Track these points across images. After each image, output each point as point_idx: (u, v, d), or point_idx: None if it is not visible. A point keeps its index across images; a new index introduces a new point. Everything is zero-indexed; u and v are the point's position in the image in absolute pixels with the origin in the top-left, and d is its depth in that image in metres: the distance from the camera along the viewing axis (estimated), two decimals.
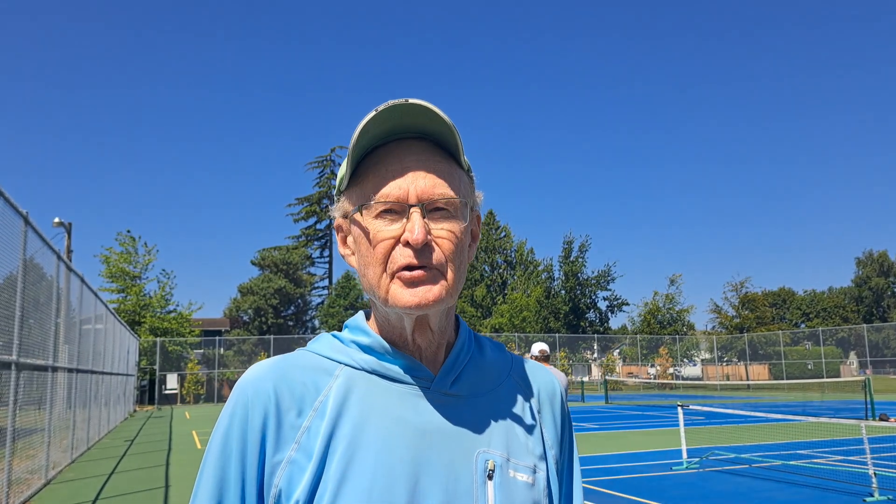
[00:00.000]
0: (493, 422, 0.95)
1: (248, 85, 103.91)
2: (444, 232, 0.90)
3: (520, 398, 1.01)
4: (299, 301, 54.95)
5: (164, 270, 42.70)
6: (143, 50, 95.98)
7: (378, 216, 0.90)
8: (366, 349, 0.96)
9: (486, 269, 55.23)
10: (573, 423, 1.11)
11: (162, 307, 39.17)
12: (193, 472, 10.82)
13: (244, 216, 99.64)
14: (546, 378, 1.07)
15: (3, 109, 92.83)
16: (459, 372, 0.97)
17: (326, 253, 64.62)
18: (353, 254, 0.97)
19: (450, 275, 0.90)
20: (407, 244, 0.88)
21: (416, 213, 0.88)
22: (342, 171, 0.94)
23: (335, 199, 0.99)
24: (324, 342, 0.99)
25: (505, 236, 56.86)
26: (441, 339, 0.97)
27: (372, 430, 0.88)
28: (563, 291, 50.17)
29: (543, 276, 52.16)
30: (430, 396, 0.93)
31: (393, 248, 0.89)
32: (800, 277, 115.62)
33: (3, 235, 7.65)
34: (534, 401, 1.03)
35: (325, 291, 60.70)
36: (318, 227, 64.53)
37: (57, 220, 24.33)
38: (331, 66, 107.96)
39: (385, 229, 0.89)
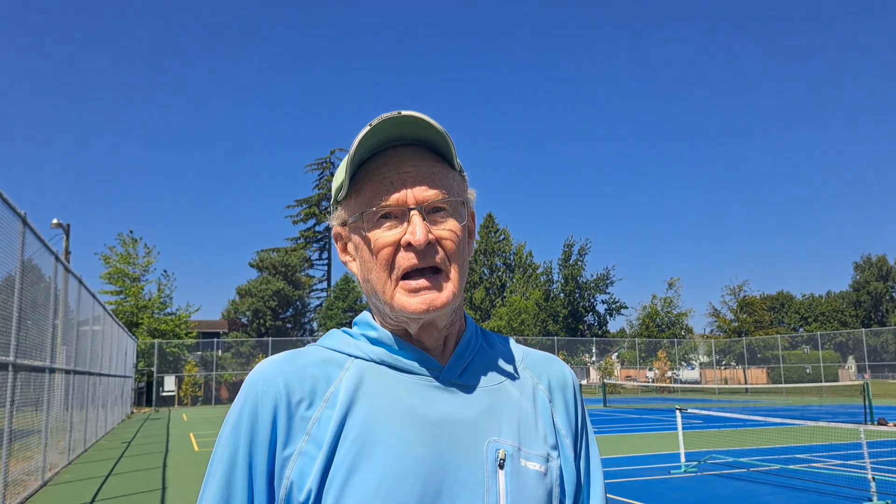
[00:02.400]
0: (503, 411, 0.96)
1: (248, 86, 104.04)
2: (445, 231, 0.93)
3: (531, 388, 1.02)
4: (298, 303, 54.86)
5: (165, 272, 42.60)
6: (143, 51, 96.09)
7: (378, 222, 0.93)
8: (375, 342, 0.98)
9: (486, 271, 55.22)
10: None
11: (160, 309, 39.13)
12: (191, 475, 10.81)
13: (243, 218, 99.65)
14: (558, 368, 1.08)
15: (2, 109, 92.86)
16: (468, 363, 0.99)
17: (325, 255, 64.54)
18: (354, 260, 1.00)
19: (453, 274, 0.93)
20: (409, 246, 0.90)
21: (416, 216, 0.91)
22: (338, 180, 0.98)
23: (332, 208, 1.02)
24: (334, 337, 1.02)
25: (504, 239, 56.87)
26: (449, 330, 0.99)
27: (383, 421, 0.90)
28: (562, 294, 50.11)
29: (542, 280, 52.12)
30: (440, 387, 0.95)
31: (395, 252, 0.92)
32: (798, 281, 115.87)
33: (0, 236, 7.63)
34: (545, 390, 1.04)
35: (324, 293, 60.59)
36: (316, 229, 64.40)
37: (55, 221, 24.29)
38: (330, 68, 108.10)
39: (386, 234, 0.92)
